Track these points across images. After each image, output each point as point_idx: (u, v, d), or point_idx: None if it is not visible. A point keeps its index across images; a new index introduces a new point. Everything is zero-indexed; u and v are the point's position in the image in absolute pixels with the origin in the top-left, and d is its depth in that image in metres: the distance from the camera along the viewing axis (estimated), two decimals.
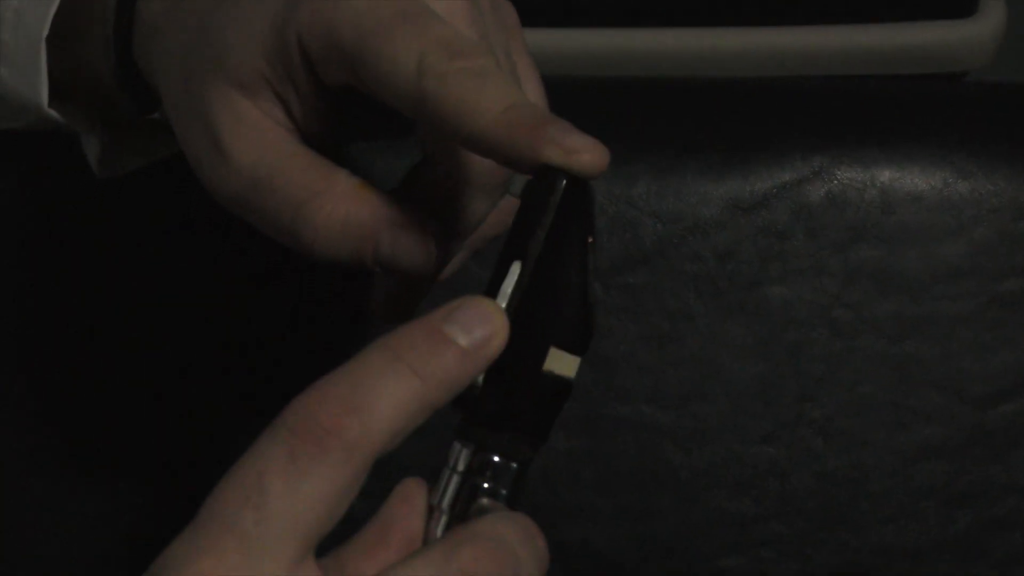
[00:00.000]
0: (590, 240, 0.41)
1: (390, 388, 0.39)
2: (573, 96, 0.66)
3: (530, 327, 0.40)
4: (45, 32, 0.53)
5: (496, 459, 0.41)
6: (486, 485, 0.41)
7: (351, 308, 0.63)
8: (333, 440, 0.38)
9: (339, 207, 0.45)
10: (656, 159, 0.64)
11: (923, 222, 0.64)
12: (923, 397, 0.63)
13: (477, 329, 0.40)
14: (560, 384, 0.41)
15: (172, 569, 0.38)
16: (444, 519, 0.42)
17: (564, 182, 0.40)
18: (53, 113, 0.55)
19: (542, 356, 0.41)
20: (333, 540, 0.39)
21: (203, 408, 0.63)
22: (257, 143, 0.45)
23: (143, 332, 0.63)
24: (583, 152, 0.40)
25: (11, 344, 0.63)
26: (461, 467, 0.42)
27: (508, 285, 0.40)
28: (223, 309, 0.63)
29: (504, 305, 0.40)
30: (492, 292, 0.41)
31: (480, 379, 0.41)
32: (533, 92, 0.49)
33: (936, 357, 0.63)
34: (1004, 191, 0.64)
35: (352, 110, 0.47)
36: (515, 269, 0.40)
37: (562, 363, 0.41)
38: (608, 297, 0.63)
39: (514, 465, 0.41)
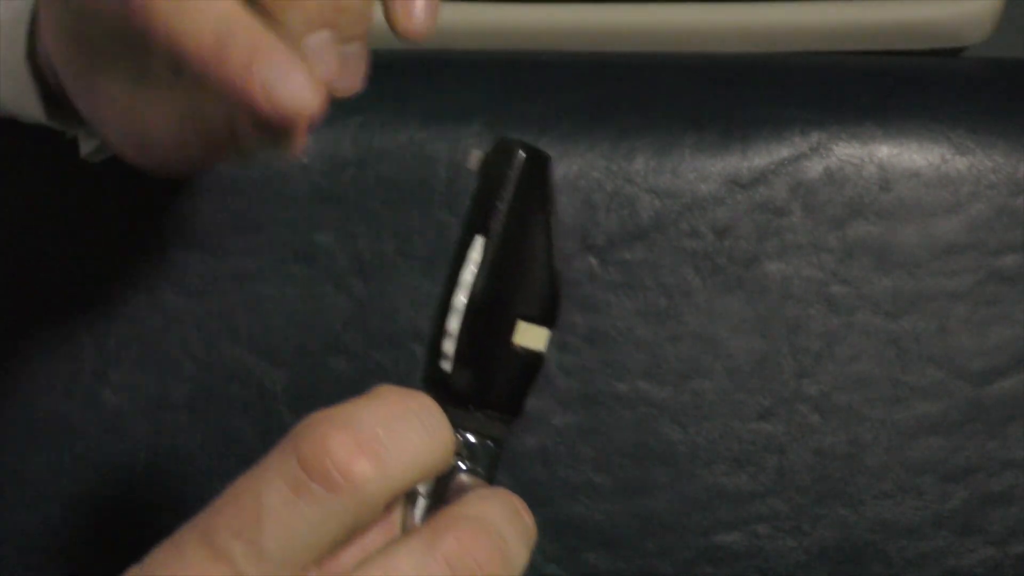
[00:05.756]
0: (551, 211, 0.41)
1: (418, 435, 0.37)
2: (571, 72, 0.66)
3: (497, 302, 0.40)
4: (23, 50, 0.53)
5: (472, 439, 0.41)
6: (463, 465, 0.41)
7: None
8: (346, 483, 0.36)
9: None
10: (654, 135, 0.64)
11: (921, 198, 0.64)
12: (920, 373, 0.63)
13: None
14: (531, 358, 0.41)
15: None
16: (423, 503, 0.41)
17: (523, 155, 0.40)
18: (55, 124, 0.55)
19: (511, 331, 0.41)
20: None
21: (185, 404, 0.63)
22: (101, 103, 0.45)
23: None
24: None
25: None
26: None
27: (472, 261, 0.40)
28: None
29: (470, 280, 0.40)
30: (456, 269, 0.40)
31: (451, 358, 0.40)
32: None
33: (933, 333, 0.63)
34: (1002, 167, 0.64)
35: None
36: (478, 244, 0.40)
37: (532, 336, 0.41)
38: (605, 273, 0.63)
39: (490, 443, 0.41)
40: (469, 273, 0.40)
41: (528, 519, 0.40)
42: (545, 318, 0.41)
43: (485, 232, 0.40)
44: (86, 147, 0.59)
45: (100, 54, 0.44)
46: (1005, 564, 0.62)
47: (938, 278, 0.63)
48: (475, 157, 0.41)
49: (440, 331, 0.40)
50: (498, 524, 0.38)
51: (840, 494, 0.63)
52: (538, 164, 0.40)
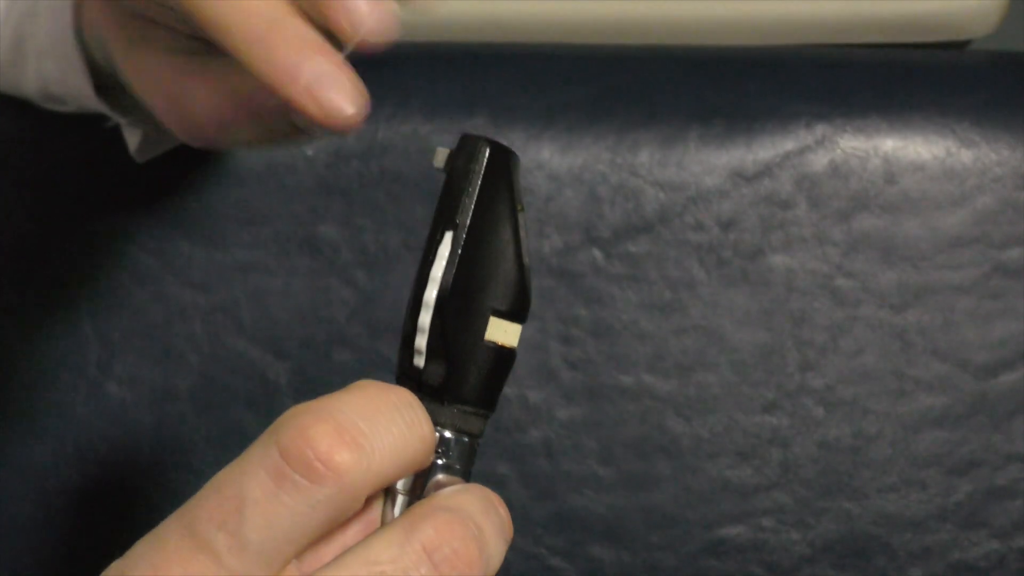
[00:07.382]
0: (519, 207, 0.41)
1: (399, 429, 0.37)
2: (576, 65, 0.66)
3: (468, 298, 0.40)
4: (70, 25, 0.53)
5: (447, 434, 0.41)
6: (440, 462, 0.41)
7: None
8: (327, 473, 0.36)
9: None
10: (659, 128, 0.64)
11: (926, 191, 0.64)
12: (925, 366, 0.63)
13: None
14: (503, 353, 0.41)
15: (140, 571, 0.36)
16: (401, 499, 0.41)
17: (488, 150, 0.40)
18: (103, 106, 0.55)
19: (483, 326, 0.41)
20: None
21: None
22: (149, 76, 0.45)
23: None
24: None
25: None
26: None
27: (442, 256, 0.40)
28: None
29: (439, 275, 0.40)
30: (426, 265, 0.40)
31: (423, 353, 0.40)
32: None
33: (938, 326, 0.63)
34: (1007, 160, 0.64)
35: None
36: (447, 239, 0.40)
37: (503, 332, 0.41)
38: (610, 266, 0.63)
39: (465, 439, 0.41)
40: (438, 268, 0.40)
41: (504, 513, 0.40)
42: (516, 313, 0.41)
43: (453, 227, 0.40)
44: (132, 141, 0.58)
45: (146, 26, 0.45)
46: (1009, 557, 0.62)
47: (943, 271, 0.63)
48: (441, 154, 0.41)
49: (412, 328, 0.40)
50: (475, 516, 0.38)
51: (844, 487, 0.63)
52: (504, 159, 0.41)
